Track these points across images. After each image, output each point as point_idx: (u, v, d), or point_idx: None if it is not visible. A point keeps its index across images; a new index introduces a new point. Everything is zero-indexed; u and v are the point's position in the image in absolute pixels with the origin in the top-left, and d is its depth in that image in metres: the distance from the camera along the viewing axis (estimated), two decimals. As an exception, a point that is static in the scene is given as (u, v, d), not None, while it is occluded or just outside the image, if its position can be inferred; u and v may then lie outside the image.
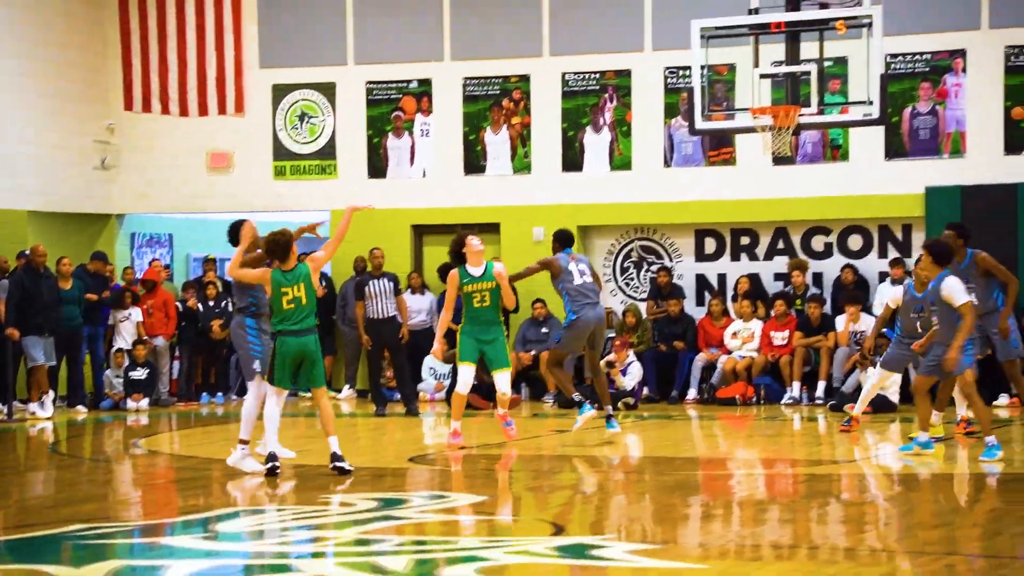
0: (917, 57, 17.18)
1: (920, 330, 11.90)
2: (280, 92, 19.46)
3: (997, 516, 8.64)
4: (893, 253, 17.46)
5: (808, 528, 8.31)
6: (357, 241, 19.06)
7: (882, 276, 17.25)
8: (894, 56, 16.91)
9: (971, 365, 11.09)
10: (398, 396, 18.09)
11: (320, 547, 7.90)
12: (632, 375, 16.64)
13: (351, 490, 9.78)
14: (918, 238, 17.32)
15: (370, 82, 19.19)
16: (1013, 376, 12.80)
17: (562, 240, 13.22)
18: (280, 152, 19.50)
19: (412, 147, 19.09)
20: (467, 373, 12.41)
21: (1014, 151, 16.84)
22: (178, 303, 18.44)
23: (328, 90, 19.34)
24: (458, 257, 12.55)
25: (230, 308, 18.51)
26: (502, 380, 12.42)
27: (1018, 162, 16.78)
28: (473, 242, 12.50)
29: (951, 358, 10.80)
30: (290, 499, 9.73)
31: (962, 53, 17.04)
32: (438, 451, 12.71)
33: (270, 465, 10.56)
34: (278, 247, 10.61)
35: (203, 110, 19.49)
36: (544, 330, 17.93)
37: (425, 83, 19.02)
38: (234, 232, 11.26)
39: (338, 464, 10.50)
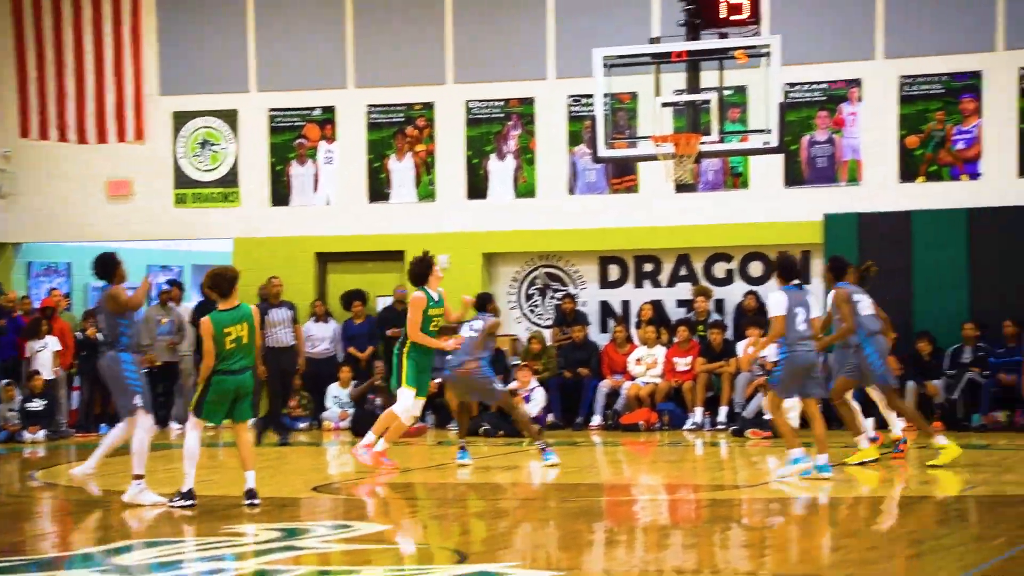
0: (814, 86, 17.50)
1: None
2: (181, 119, 19.29)
3: (893, 539, 8.78)
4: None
5: (711, 553, 8.39)
6: (261, 269, 18.93)
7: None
8: (792, 85, 17.21)
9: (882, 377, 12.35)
10: (301, 425, 17.96)
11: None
12: (535, 401, 16.70)
13: (253, 520, 9.68)
14: (817, 264, 17.61)
15: (273, 109, 19.10)
16: (893, 404, 12.87)
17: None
18: (181, 180, 19.32)
19: (316, 174, 19.03)
20: (416, 403, 12.44)
21: (908, 179, 17.21)
22: (77, 333, 18.15)
23: (230, 117, 19.21)
24: (419, 278, 12.54)
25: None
26: (418, 407, 12.46)
27: (912, 190, 17.15)
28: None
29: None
30: (190, 530, 9.61)
31: (857, 82, 17.40)
32: (342, 480, 12.63)
33: (190, 502, 10.29)
34: (224, 282, 10.22)
35: (102, 137, 19.25)
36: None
37: (328, 110, 18.98)
38: (104, 265, 10.98)
39: (253, 501, 10.32)
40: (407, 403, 12.38)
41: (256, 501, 10.29)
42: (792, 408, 14.74)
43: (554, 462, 12.70)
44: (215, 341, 10.17)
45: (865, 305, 12.41)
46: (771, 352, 16.29)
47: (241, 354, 10.25)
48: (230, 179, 19.23)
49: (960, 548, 8.18)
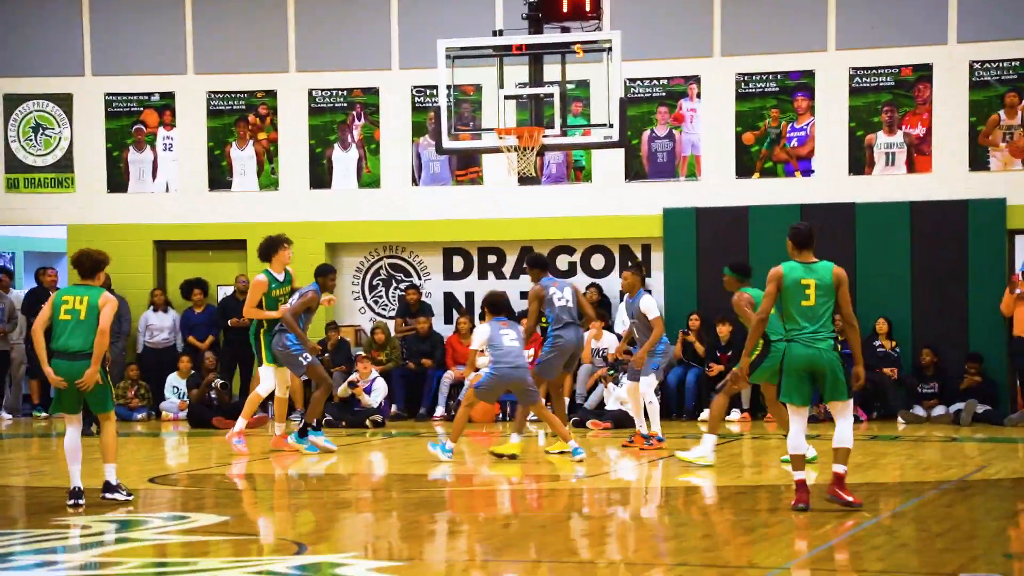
0: (655, 82, 17.78)
1: (636, 336, 13.37)
2: (13, 102, 18.74)
3: (726, 527, 8.99)
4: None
5: (550, 543, 8.48)
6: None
7: (622, 295, 17.73)
8: (633, 80, 17.45)
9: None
10: (139, 415, 17.64)
11: (51, 572, 7.64)
12: (377, 391, 16.66)
13: (86, 512, 9.48)
14: (657, 257, 17.91)
15: (109, 94, 18.67)
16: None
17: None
18: (13, 164, 18.77)
19: (155, 161, 18.66)
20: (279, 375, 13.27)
21: (745, 175, 17.60)
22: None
23: (64, 101, 18.73)
24: (264, 256, 13.48)
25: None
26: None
27: (748, 185, 17.54)
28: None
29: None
30: (20, 523, 9.37)
31: (696, 79, 17.72)
32: (180, 471, 12.44)
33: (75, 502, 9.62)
34: (88, 261, 10.08)
35: (-71, 119, 18.61)
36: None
37: (168, 96, 18.63)
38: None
39: (112, 495, 9.79)
40: (269, 381, 13.12)
41: (116, 496, 9.83)
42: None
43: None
44: (52, 317, 9.78)
45: (560, 296, 13.20)
46: (611, 343, 16.59)
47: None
48: (64, 164, 18.75)
49: (790, 535, 8.41)
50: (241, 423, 13.30)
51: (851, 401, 9.20)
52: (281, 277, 13.28)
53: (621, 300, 17.58)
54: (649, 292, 17.27)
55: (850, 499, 9.09)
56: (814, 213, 17.17)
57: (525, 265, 13.44)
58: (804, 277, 9.16)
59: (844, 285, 9.23)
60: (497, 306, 12.55)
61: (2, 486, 11.31)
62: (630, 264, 13.62)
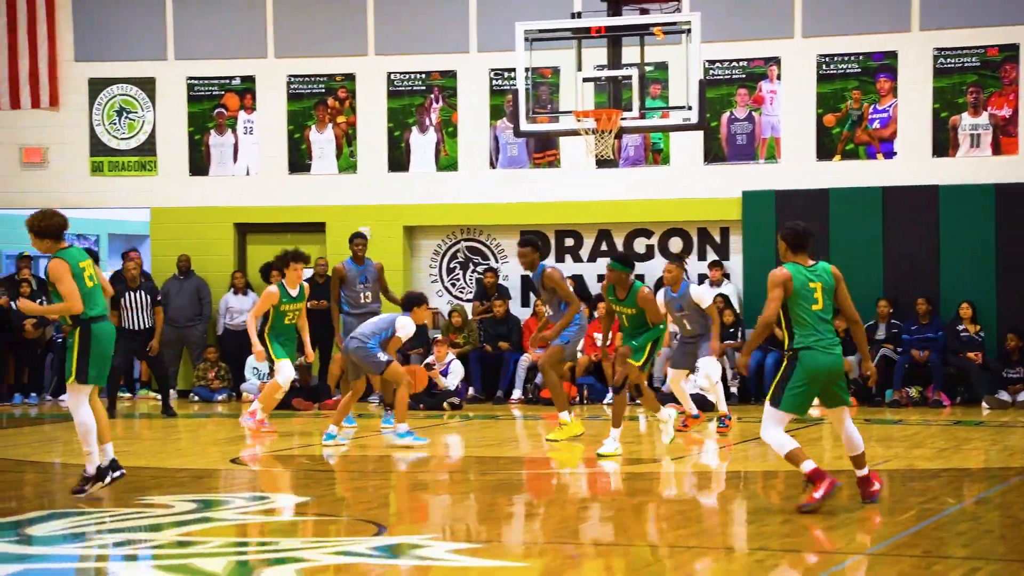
0: (734, 64, 17.61)
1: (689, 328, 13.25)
2: (97, 86, 18.99)
3: (806, 512, 8.91)
4: (712, 256, 17.88)
5: (629, 526, 8.45)
6: (178, 241, 18.74)
7: (701, 278, 17.63)
8: (712, 62, 17.30)
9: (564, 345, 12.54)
10: (219, 396, 17.83)
11: (136, 550, 7.74)
12: (454, 374, 16.70)
13: (169, 492, 9.60)
14: (736, 241, 17.77)
15: (191, 78, 18.86)
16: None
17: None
18: (97, 148, 19.02)
19: (235, 144, 18.83)
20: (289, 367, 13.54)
21: (826, 157, 17.39)
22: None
23: (148, 85, 18.94)
24: (276, 270, 13.61)
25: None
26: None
27: (829, 167, 17.34)
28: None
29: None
30: (105, 501, 9.50)
31: (777, 60, 17.54)
32: (260, 452, 12.56)
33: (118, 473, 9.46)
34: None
35: (15, 103, 18.89)
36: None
37: (248, 80, 18.78)
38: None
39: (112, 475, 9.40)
40: (287, 373, 13.40)
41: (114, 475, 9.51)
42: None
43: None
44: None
45: None
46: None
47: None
48: (147, 148, 18.97)
49: (872, 521, 8.31)
50: (256, 405, 13.55)
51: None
52: (295, 293, 13.40)
53: (700, 283, 17.47)
54: (718, 284, 17.27)
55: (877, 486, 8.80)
56: (896, 195, 16.96)
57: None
58: (810, 280, 8.61)
59: (842, 282, 8.73)
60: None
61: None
62: (676, 256, 13.47)
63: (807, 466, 8.51)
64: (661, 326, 11.98)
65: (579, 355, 17.17)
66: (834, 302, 8.67)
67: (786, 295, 8.56)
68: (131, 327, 15.58)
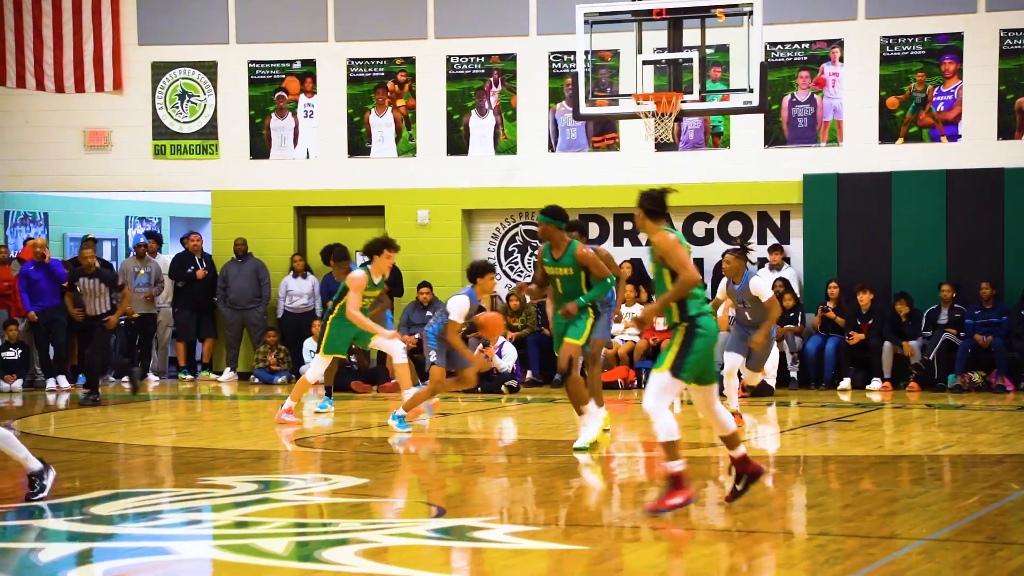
0: (796, 46, 17.45)
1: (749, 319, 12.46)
2: (160, 70, 19.14)
3: (868, 497, 8.83)
4: (772, 239, 17.74)
5: (687, 510, 8.42)
6: (237, 222, 18.88)
7: (761, 262, 17.50)
8: (773, 44, 17.16)
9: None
10: (279, 379, 17.96)
11: (198, 530, 7.81)
12: (507, 356, 16.71)
13: (230, 472, 9.68)
14: (796, 225, 17.63)
15: (252, 61, 18.96)
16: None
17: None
18: (160, 131, 19.18)
19: (296, 128, 18.91)
20: (324, 363, 13.25)
21: (889, 140, 17.20)
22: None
23: (209, 69, 19.06)
24: (369, 254, 12.92)
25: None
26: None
27: (892, 151, 17.15)
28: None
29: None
30: (167, 481, 9.60)
31: (839, 43, 17.36)
32: (320, 433, 12.65)
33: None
34: None
35: (80, 87, 19.09)
36: (428, 313, 17.91)
37: (309, 63, 18.85)
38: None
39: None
40: (317, 370, 13.12)
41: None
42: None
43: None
44: None
45: None
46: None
47: None
48: (209, 131, 19.10)
49: (934, 506, 8.23)
50: (289, 403, 13.08)
51: None
52: (377, 280, 12.90)
53: (761, 267, 17.35)
54: (779, 268, 17.09)
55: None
56: (960, 179, 16.76)
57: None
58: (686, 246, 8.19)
59: None
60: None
61: (150, 446, 11.61)
62: (735, 247, 12.53)
63: (676, 466, 7.83)
64: (608, 280, 10.82)
65: (615, 338, 16.81)
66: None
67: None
68: (89, 313, 15.38)
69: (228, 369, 18.69)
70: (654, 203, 8.24)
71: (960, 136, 16.98)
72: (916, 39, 17.08)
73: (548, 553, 7.00)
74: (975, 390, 15.94)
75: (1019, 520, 7.81)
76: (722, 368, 12.13)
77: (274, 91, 18.94)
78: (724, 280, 12.69)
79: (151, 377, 18.52)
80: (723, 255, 12.92)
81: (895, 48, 17.18)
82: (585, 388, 10.87)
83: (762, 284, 12.27)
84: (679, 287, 7.98)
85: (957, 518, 7.84)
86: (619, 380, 16.93)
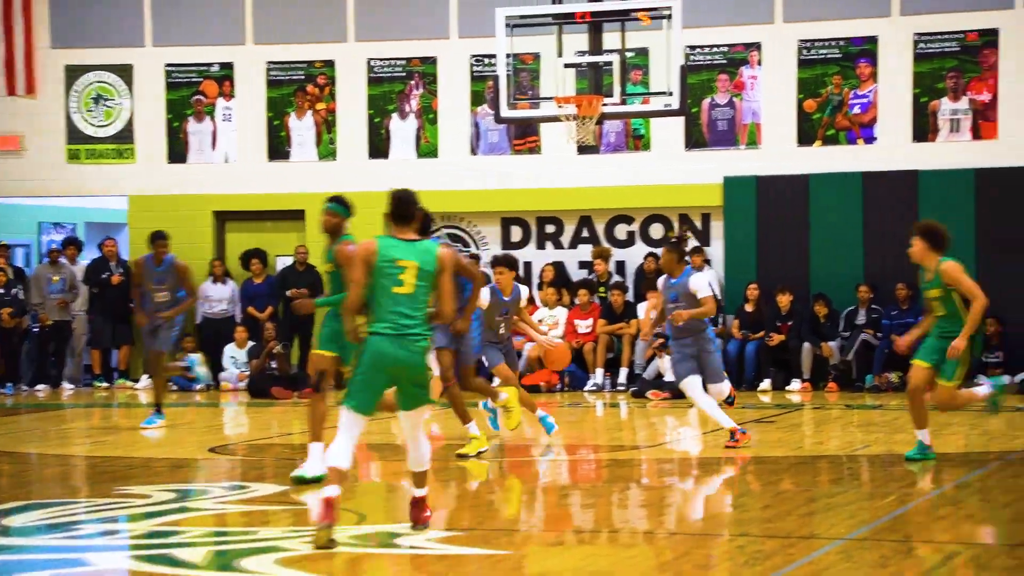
0: (715, 49, 17.60)
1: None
2: (74, 73, 18.87)
3: (787, 497, 8.91)
4: (693, 242, 17.86)
5: (609, 512, 8.45)
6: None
7: (658, 273, 17.56)
8: (692, 48, 17.29)
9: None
10: (197, 386, 17.77)
11: (115, 540, 7.71)
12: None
13: (147, 482, 9.56)
14: (717, 227, 17.77)
15: (169, 65, 18.76)
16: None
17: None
18: (75, 135, 18.92)
19: (214, 132, 18.74)
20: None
21: (807, 142, 17.40)
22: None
23: (125, 72, 18.84)
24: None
25: (20, 295, 17.91)
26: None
27: (810, 153, 17.35)
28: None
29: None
30: (83, 492, 9.46)
31: (757, 46, 17.53)
32: (239, 441, 12.53)
33: None
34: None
35: (-9, 90, 18.77)
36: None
37: (227, 67, 18.69)
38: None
39: None
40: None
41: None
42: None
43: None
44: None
45: None
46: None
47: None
48: (125, 135, 18.87)
49: (852, 506, 8.32)
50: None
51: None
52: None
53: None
54: (700, 270, 17.05)
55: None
56: (876, 181, 16.98)
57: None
58: (399, 258, 7.40)
59: (445, 273, 7.42)
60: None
61: (65, 456, 11.44)
62: (672, 239, 11.32)
63: (328, 492, 7.17)
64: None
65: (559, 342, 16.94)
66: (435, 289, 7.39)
67: (368, 271, 7.35)
68: None
69: (145, 376, 18.46)
70: (400, 206, 7.60)
71: (876, 138, 17.22)
72: (832, 42, 17.29)
73: (471, 558, 6.99)
74: (892, 390, 16.15)
75: (935, 519, 7.93)
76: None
77: (192, 94, 18.75)
78: (662, 277, 11.95)
79: (65, 385, 18.24)
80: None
81: (812, 51, 17.38)
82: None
83: (702, 280, 11.09)
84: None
85: (875, 517, 7.94)
86: (541, 383, 16.95)
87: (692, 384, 10.97)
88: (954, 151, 16.87)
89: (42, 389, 17.79)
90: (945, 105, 16.94)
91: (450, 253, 7.67)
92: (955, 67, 16.90)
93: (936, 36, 16.97)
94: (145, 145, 18.82)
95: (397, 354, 7.33)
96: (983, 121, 16.84)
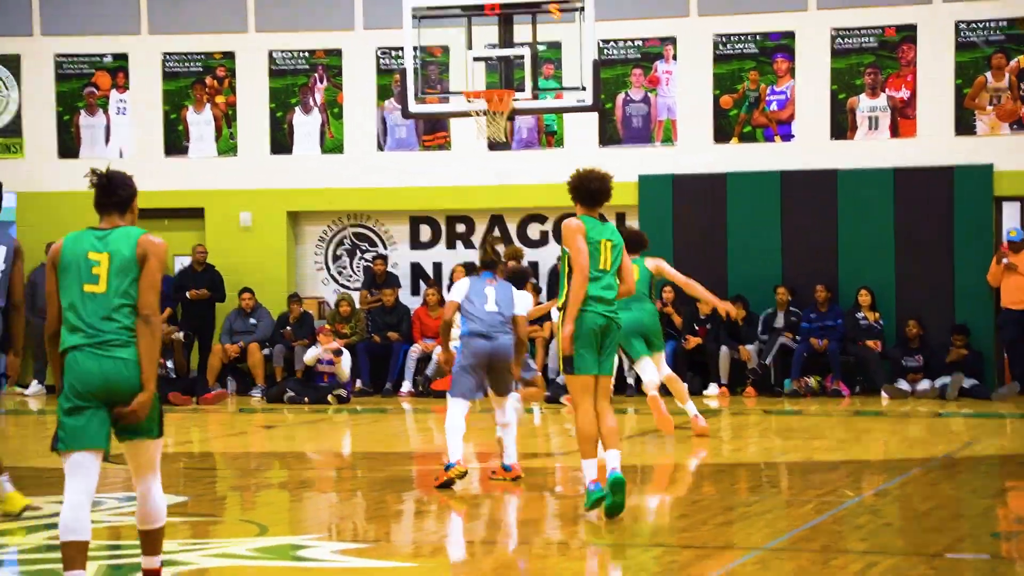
0: (629, 43, 17.70)
1: None
2: (-41, 63, 18.52)
3: (704, 506, 8.99)
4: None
5: (521, 523, 8.46)
6: (47, 227, 18.36)
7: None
8: (606, 42, 17.37)
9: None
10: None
11: (2, 555, 7.57)
12: (343, 364, 16.56)
13: (38, 492, 9.40)
14: (632, 225, 17.85)
15: (59, 55, 18.47)
16: None
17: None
18: (-41, 128, 18.57)
19: (107, 126, 18.49)
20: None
21: (723, 140, 17.56)
22: None
23: (12, 63, 18.52)
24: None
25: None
26: None
27: (727, 151, 17.50)
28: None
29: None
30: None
31: (672, 40, 17.65)
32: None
33: None
34: None
35: None
36: (252, 320, 17.68)
37: (121, 58, 18.44)
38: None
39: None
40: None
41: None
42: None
43: None
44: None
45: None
46: None
47: None
48: (13, 129, 18.56)
49: (770, 515, 8.42)
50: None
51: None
52: None
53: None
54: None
55: None
56: (794, 180, 17.17)
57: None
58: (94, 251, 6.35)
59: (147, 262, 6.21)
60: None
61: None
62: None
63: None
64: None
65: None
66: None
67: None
68: None
69: (35, 382, 18.16)
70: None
71: (794, 136, 17.42)
72: (749, 37, 17.47)
73: (375, 571, 6.96)
74: (811, 395, 16.35)
75: (853, 527, 8.04)
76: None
77: (83, 86, 18.48)
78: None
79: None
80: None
81: (728, 46, 17.55)
82: None
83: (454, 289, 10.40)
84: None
85: (792, 526, 8.04)
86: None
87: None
88: (873, 149, 17.12)
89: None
90: (864, 102, 17.19)
91: None
92: (873, 63, 17.16)
93: (854, 31, 17.21)
94: (34, 139, 18.52)
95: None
96: (902, 119, 17.11)
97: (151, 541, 6.26)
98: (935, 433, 12.96)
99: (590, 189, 8.83)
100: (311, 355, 16.31)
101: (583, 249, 8.46)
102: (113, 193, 6.66)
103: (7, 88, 18.55)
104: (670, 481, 10.20)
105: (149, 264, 6.25)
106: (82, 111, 18.49)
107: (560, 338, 8.38)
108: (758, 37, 17.44)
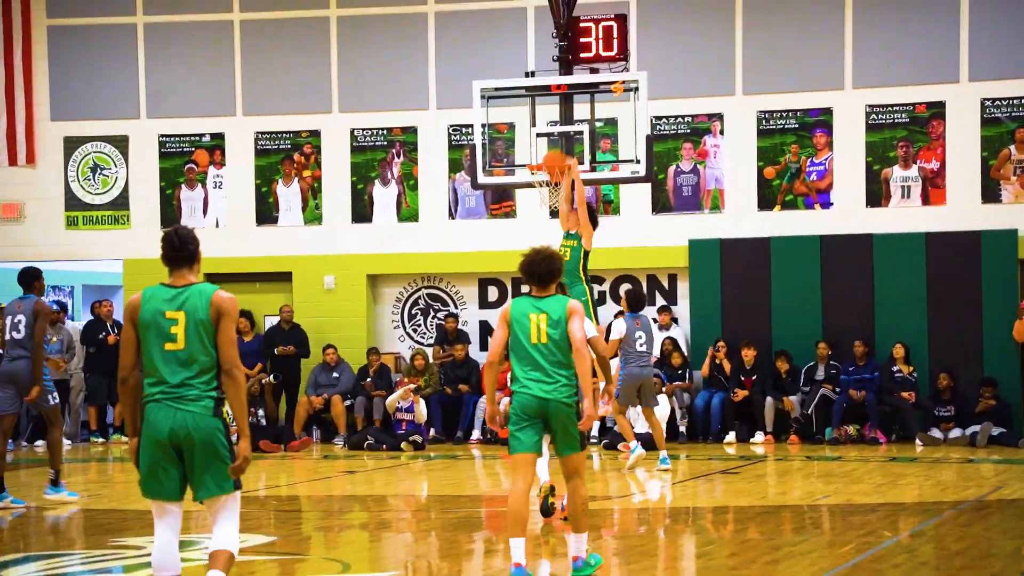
0: (679, 119, 17.76)
1: None
2: (72, 144, 18.90)
3: (752, 546, 8.91)
4: (660, 301, 17.94)
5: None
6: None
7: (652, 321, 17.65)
8: (659, 118, 17.44)
9: None
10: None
11: (109, 591, 7.64)
12: (421, 412, 16.58)
13: (142, 533, 9.49)
14: (683, 287, 17.85)
15: (163, 135, 18.81)
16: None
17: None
18: (72, 202, 18.91)
19: (205, 198, 18.77)
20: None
21: (767, 207, 17.54)
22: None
23: (121, 143, 18.88)
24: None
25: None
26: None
27: (770, 217, 17.48)
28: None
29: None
30: (78, 543, 9.38)
31: (719, 116, 17.70)
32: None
33: None
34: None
35: (-6, 161, 18.77)
36: (335, 375, 17.80)
37: (218, 137, 18.75)
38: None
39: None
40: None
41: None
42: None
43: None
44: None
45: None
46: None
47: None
48: (121, 202, 18.89)
49: (814, 554, 8.33)
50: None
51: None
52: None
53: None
54: (668, 328, 17.28)
55: None
56: (833, 244, 17.11)
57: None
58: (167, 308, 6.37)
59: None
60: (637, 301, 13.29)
61: (60, 508, 11.33)
62: None
63: None
64: None
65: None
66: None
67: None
68: None
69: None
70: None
71: (832, 204, 17.37)
72: (790, 113, 17.48)
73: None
74: (850, 442, 16.19)
75: (891, 566, 7.94)
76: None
77: (184, 163, 18.79)
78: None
79: (64, 441, 18.09)
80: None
81: (771, 122, 17.56)
82: None
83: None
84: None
85: (835, 564, 7.95)
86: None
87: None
88: (906, 216, 17.03)
89: (41, 445, 17.64)
90: (897, 172, 17.13)
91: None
92: (905, 137, 17.11)
93: (887, 108, 17.18)
94: (140, 211, 18.83)
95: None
96: (932, 188, 17.02)
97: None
98: (966, 478, 12.78)
99: (536, 272, 8.06)
100: (392, 399, 16.37)
101: (495, 334, 7.80)
102: (183, 248, 6.63)
103: (116, 165, 18.90)
104: (720, 522, 10.12)
105: (224, 321, 6.24)
106: (183, 185, 18.79)
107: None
108: (798, 113, 17.45)
